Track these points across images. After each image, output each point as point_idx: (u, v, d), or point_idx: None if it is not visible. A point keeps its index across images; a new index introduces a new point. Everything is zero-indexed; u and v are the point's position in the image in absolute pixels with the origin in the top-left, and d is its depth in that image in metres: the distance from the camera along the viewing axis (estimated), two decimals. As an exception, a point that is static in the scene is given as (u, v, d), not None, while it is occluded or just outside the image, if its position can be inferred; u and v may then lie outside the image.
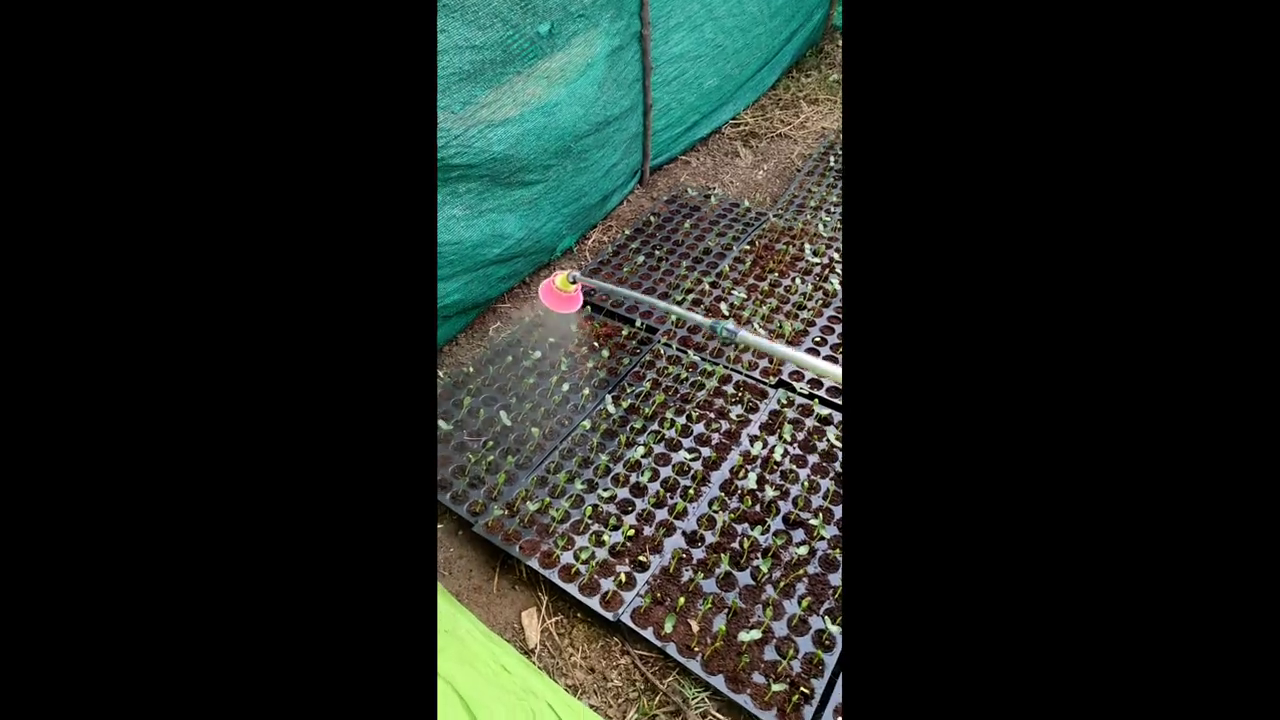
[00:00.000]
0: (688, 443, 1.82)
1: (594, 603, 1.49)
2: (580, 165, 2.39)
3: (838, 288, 2.24)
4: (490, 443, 1.84)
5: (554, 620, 1.54)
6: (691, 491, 1.70)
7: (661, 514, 1.66)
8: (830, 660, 1.39)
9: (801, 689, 1.35)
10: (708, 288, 2.29)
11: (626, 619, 1.47)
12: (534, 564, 1.57)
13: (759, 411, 1.89)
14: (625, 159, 2.69)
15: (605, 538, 1.61)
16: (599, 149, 2.45)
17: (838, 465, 1.74)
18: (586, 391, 1.96)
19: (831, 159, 2.87)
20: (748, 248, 2.45)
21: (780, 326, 2.12)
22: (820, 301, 2.21)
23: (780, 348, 1.40)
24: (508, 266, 2.30)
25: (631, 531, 1.61)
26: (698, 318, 1.59)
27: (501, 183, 2.09)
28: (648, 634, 1.44)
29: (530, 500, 1.70)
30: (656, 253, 2.46)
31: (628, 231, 2.59)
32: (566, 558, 1.58)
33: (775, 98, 3.41)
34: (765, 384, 1.97)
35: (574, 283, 1.79)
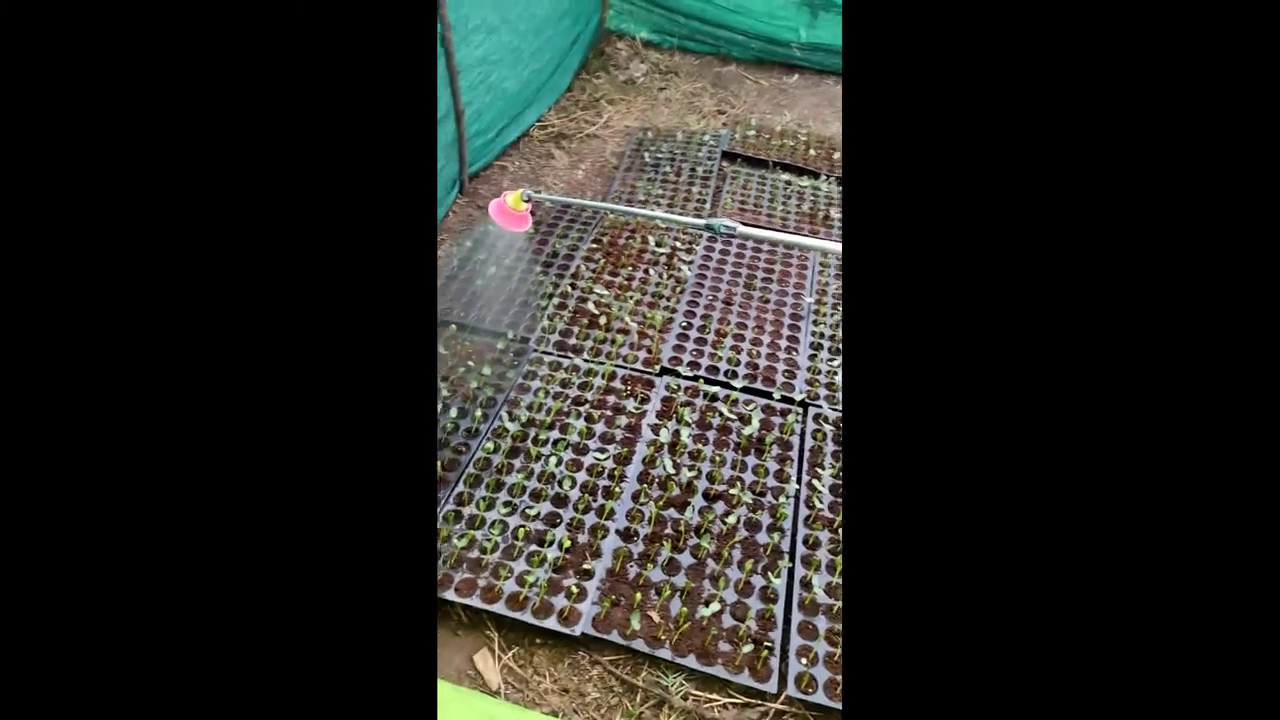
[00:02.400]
0: (594, 444, 1.83)
1: (552, 623, 1.45)
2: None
3: (688, 274, 2.39)
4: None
5: (511, 654, 1.46)
6: (614, 490, 1.71)
7: (591, 519, 1.65)
8: (778, 610, 1.51)
9: (764, 644, 1.45)
10: (568, 289, 2.29)
11: (590, 629, 1.45)
12: (475, 602, 1.47)
13: (651, 400, 1.95)
14: (443, 168, 2.56)
15: (544, 556, 1.56)
16: (424, 159, 2.31)
17: (734, 436, 1.88)
18: (479, 414, 1.86)
19: (645, 154, 3.02)
20: (594, 245, 2.49)
21: (649, 317, 2.21)
22: (675, 288, 2.33)
23: (781, 235, 1.55)
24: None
25: (568, 543, 1.58)
26: (686, 219, 1.68)
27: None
28: (613, 637, 1.44)
29: (452, 538, 1.58)
30: (505, 261, 2.40)
31: (467, 244, 2.48)
32: (510, 586, 1.50)
33: (574, 99, 3.48)
34: (650, 374, 2.04)
35: (527, 200, 1.74)
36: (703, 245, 2.53)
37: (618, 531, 1.63)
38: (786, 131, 3.25)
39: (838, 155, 3.08)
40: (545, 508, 1.66)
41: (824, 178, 2.96)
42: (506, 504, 1.66)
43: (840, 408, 1.98)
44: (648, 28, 3.89)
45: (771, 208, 2.76)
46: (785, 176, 2.95)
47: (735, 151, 3.07)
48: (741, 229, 1.56)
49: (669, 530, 1.64)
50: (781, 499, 1.72)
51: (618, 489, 1.71)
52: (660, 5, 3.75)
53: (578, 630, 1.44)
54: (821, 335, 2.22)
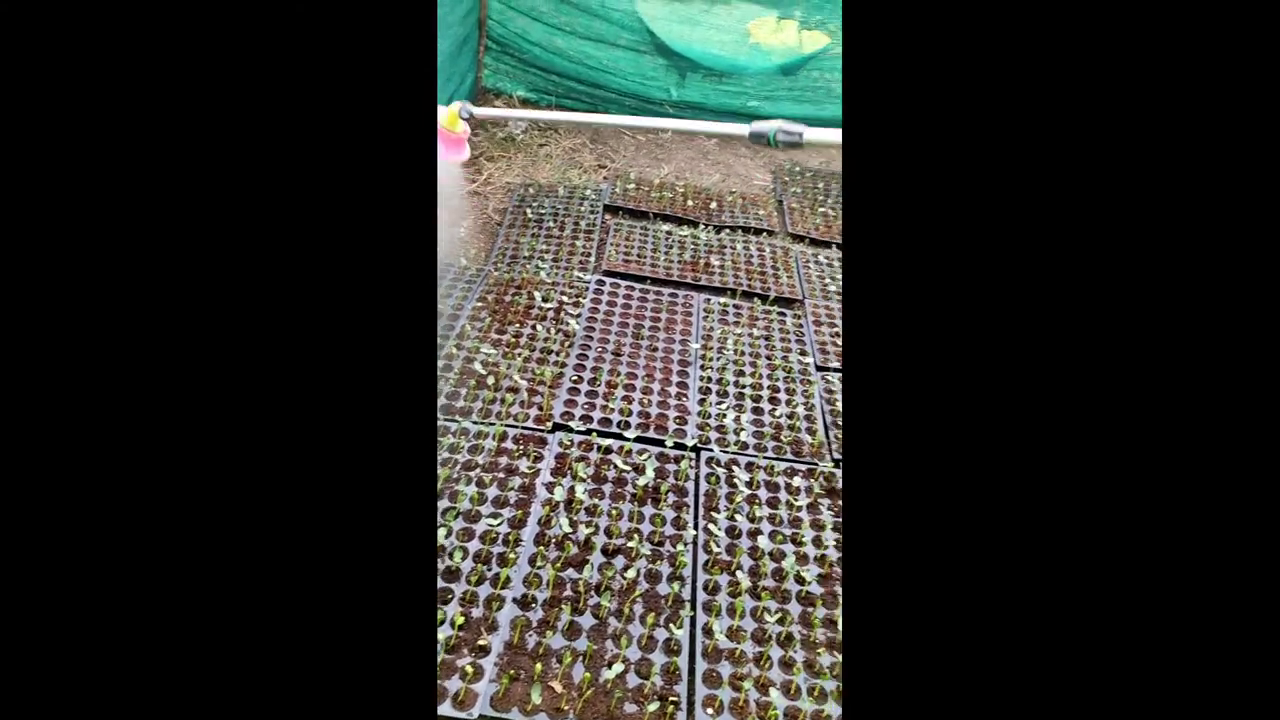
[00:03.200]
0: (486, 509, 1.76)
1: (446, 709, 1.36)
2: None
3: (576, 327, 2.40)
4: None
5: (403, 750, 1.35)
6: (509, 556, 1.65)
7: (485, 590, 1.58)
8: (682, 662, 1.50)
9: (670, 699, 1.43)
10: (454, 350, 2.24)
11: (489, 710, 1.37)
12: (361, 698, 1.36)
13: (545, 459, 1.92)
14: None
15: (436, 637, 1.47)
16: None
17: (630, 487, 1.87)
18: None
19: (527, 211, 3.04)
20: (480, 304, 2.46)
21: (538, 374, 2.19)
22: (564, 342, 2.34)
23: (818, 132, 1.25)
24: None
25: (461, 620, 1.50)
26: (722, 127, 1.33)
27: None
28: (513, 715, 1.37)
29: (331, 629, 1.46)
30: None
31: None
32: (399, 675, 1.40)
33: (454, 157, 3.47)
34: (542, 431, 2.01)
35: (467, 118, 1.33)
36: (590, 297, 2.56)
37: (514, 600, 1.57)
38: (665, 184, 3.39)
39: (714, 205, 3.24)
40: (437, 584, 1.58)
41: (702, 226, 3.10)
42: (393, 584, 1.56)
43: (730, 450, 2.03)
44: (524, 87, 3.96)
45: (655, 258, 2.85)
46: (666, 227, 3.06)
47: (617, 204, 3.16)
48: (809, 134, 1.26)
49: (569, 592, 1.60)
50: (680, 547, 1.73)
51: (513, 555, 1.66)
52: (535, 66, 3.84)
53: (474, 714, 1.36)
54: (709, 379, 2.29)
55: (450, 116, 1.45)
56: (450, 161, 1.50)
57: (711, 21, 3.49)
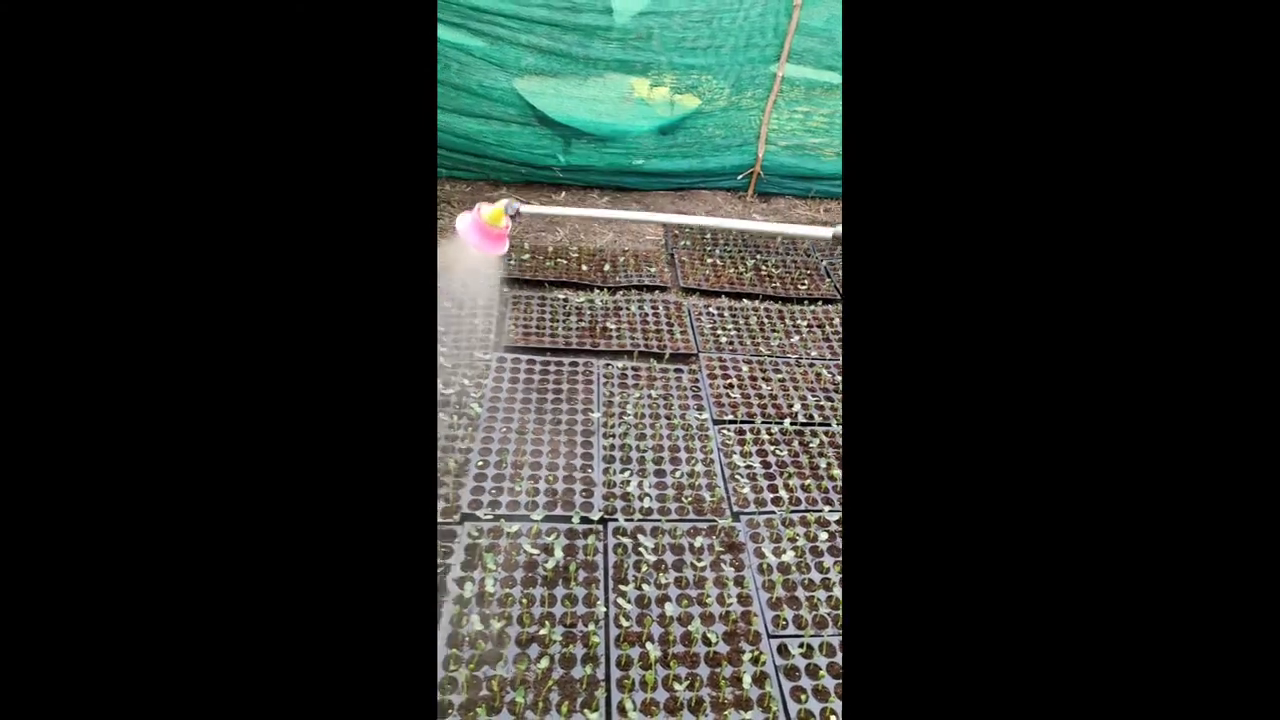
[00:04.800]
0: (398, 615, 1.78)
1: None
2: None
3: (479, 410, 2.45)
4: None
5: None
6: (422, 662, 1.67)
7: (401, 701, 1.59)
8: (602, 743, 1.56)
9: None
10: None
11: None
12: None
13: (454, 553, 1.96)
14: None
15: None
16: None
17: (540, 570, 1.93)
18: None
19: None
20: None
21: (443, 464, 2.22)
22: (467, 428, 2.38)
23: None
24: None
25: (377, 737, 1.52)
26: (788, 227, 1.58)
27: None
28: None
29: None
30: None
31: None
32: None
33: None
34: (450, 524, 2.05)
35: (513, 214, 1.39)
36: (491, 378, 2.62)
37: (431, 707, 1.59)
38: (559, 249, 3.51)
39: (608, 266, 3.38)
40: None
41: (597, 290, 3.22)
42: None
43: (635, 518, 2.13)
44: (415, 162, 4.01)
45: (553, 327, 2.94)
46: (562, 294, 3.17)
47: (513, 276, 3.25)
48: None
49: (484, 691, 1.64)
50: (591, 626, 1.80)
51: (426, 660, 1.68)
52: (423, 143, 3.90)
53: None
54: (612, 447, 2.38)
55: (495, 213, 1.56)
56: (491, 255, 1.66)
57: (587, 93, 3.66)
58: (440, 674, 1.66)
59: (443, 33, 3.42)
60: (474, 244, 1.64)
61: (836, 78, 3.83)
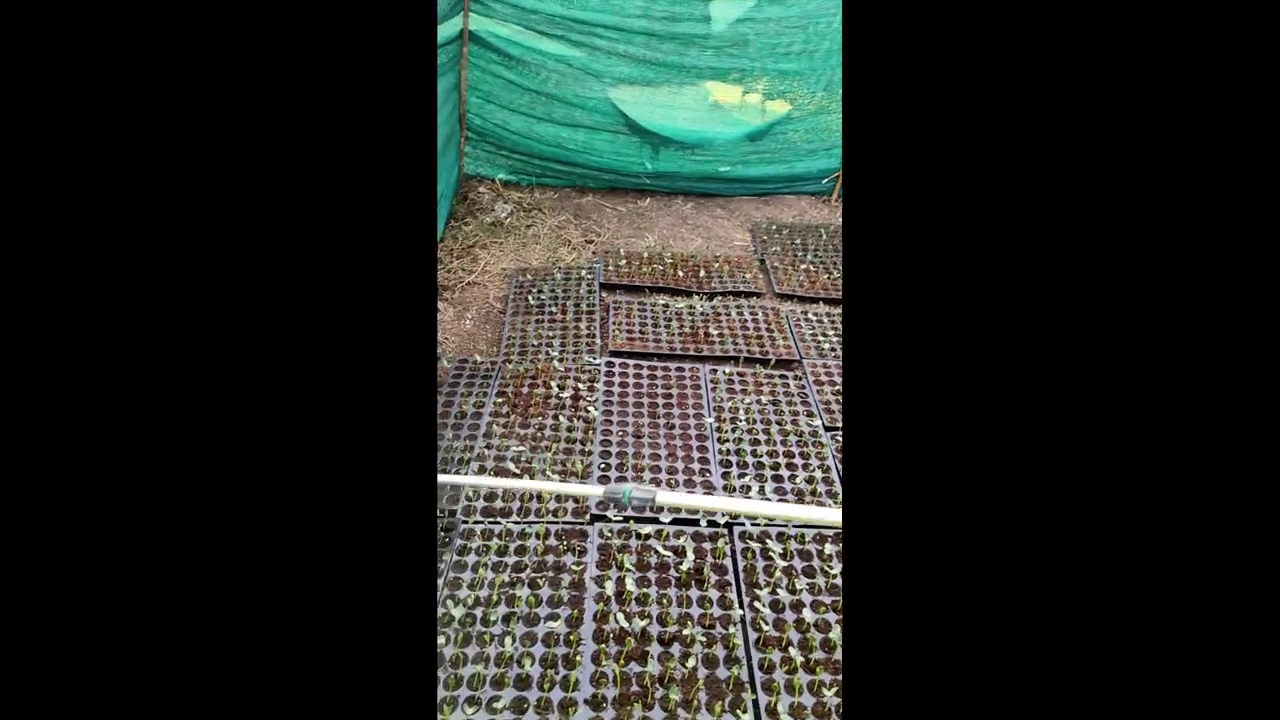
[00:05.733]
0: (544, 611, 1.84)
1: (543, 824, 1.42)
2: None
3: (595, 414, 2.51)
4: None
5: None
6: (573, 657, 1.73)
7: (557, 694, 1.65)
8: (753, 744, 1.58)
9: (748, 784, 1.51)
10: (484, 450, 2.33)
11: (582, 819, 1.44)
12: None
13: (588, 552, 2.01)
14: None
15: (519, 750, 1.53)
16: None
17: (674, 572, 1.97)
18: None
19: (529, 297, 3.16)
20: (500, 399, 2.55)
21: (568, 465, 2.28)
22: (585, 430, 2.44)
23: (723, 503, 1.34)
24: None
25: (540, 728, 1.57)
26: (587, 489, 1.66)
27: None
28: (605, 821, 1.44)
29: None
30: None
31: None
32: (491, 795, 1.46)
33: (448, 249, 3.59)
34: (581, 524, 2.10)
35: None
36: (602, 381, 2.68)
37: (586, 702, 1.64)
38: (652, 255, 3.55)
39: (702, 272, 3.41)
40: (509, 694, 1.64)
41: (695, 296, 3.26)
42: (470, 700, 1.63)
43: (760, 523, 2.15)
44: (505, 170, 4.13)
45: (656, 333, 2.99)
46: (662, 299, 3.21)
47: (612, 282, 3.31)
48: (660, 496, 1.28)
49: (635, 688, 1.68)
50: (731, 628, 1.83)
51: (576, 655, 1.73)
52: (515, 151, 4.01)
53: (571, 824, 1.43)
54: (728, 451, 2.41)
55: None
56: None
57: (680, 102, 3.71)
58: (590, 669, 1.71)
59: (543, 44, 3.52)
60: None
61: (930, 81, 3.79)
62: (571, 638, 1.78)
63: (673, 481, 2.27)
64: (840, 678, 1.73)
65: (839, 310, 3.23)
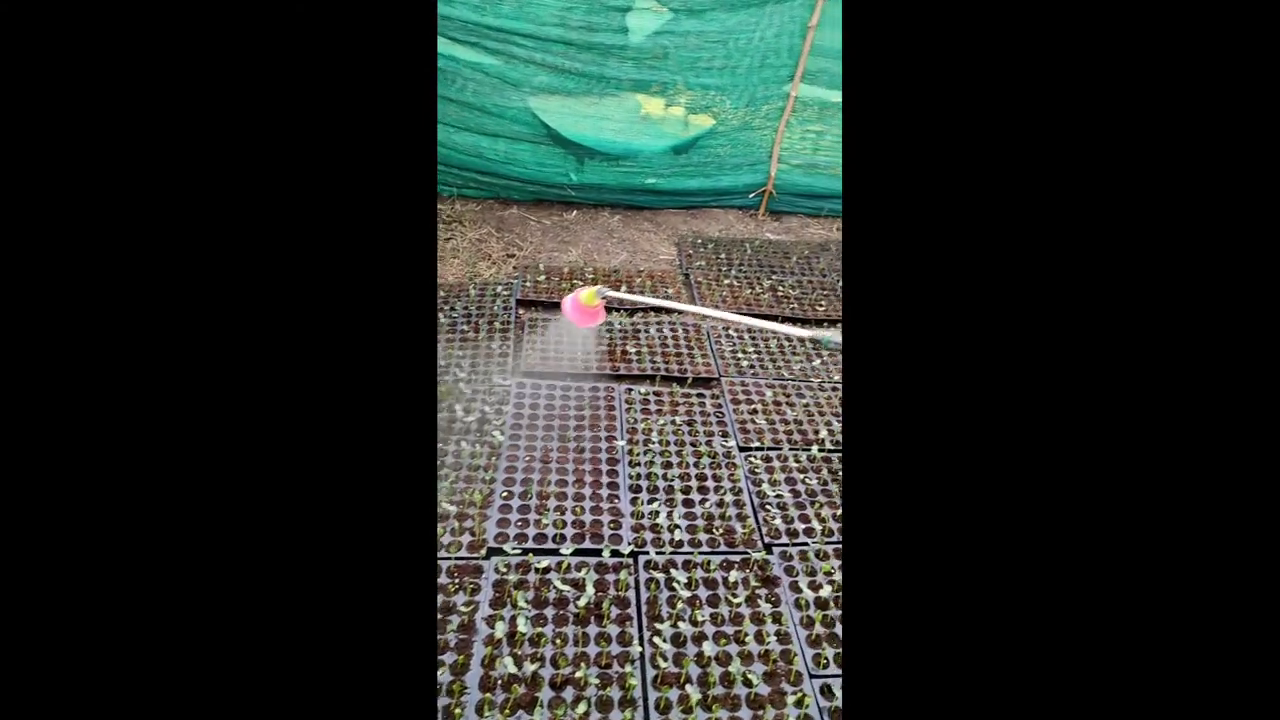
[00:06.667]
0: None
1: None
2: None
3: (501, 439, 2.39)
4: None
5: None
6: (454, 709, 1.61)
7: (434, 751, 1.53)
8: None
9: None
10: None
11: None
12: None
13: (482, 590, 1.89)
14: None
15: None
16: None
17: (572, 608, 1.87)
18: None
19: (440, 315, 3.03)
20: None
21: (467, 495, 2.16)
22: (490, 457, 2.32)
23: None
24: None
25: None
26: (791, 330, 2.26)
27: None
28: None
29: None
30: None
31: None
32: None
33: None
34: (477, 559, 1.98)
35: (601, 298, 2.27)
36: (512, 404, 2.57)
37: (466, 757, 1.53)
38: (574, 270, 3.46)
39: (624, 287, 3.34)
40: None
41: (616, 313, 3.18)
42: (335, 764, 1.49)
43: (665, 551, 2.07)
44: (425, 181, 3.97)
45: (572, 351, 2.90)
46: (580, 317, 3.12)
47: (529, 299, 3.20)
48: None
49: (521, 738, 1.58)
50: (628, 667, 1.74)
51: (458, 708, 1.62)
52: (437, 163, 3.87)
53: None
54: (638, 475, 2.33)
55: (589, 294, 2.33)
56: (589, 327, 2.47)
57: (602, 113, 3.64)
58: (474, 721, 1.59)
59: (457, 51, 3.40)
60: (576, 320, 2.28)
61: (850, 98, 3.82)
62: (455, 687, 1.66)
63: (579, 509, 2.18)
64: (735, 714, 1.66)
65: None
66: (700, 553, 2.08)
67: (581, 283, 3.35)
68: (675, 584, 1.97)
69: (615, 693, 1.68)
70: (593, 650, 1.77)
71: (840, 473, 2.43)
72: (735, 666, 1.76)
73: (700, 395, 2.74)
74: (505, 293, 3.21)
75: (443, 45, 3.40)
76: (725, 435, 2.56)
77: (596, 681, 1.70)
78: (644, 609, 1.90)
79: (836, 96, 3.82)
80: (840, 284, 3.54)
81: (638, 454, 2.42)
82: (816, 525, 2.21)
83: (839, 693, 1.74)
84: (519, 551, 2.02)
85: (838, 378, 2.92)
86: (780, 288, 3.49)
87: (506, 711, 1.62)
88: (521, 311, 3.15)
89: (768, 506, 2.27)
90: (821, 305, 3.37)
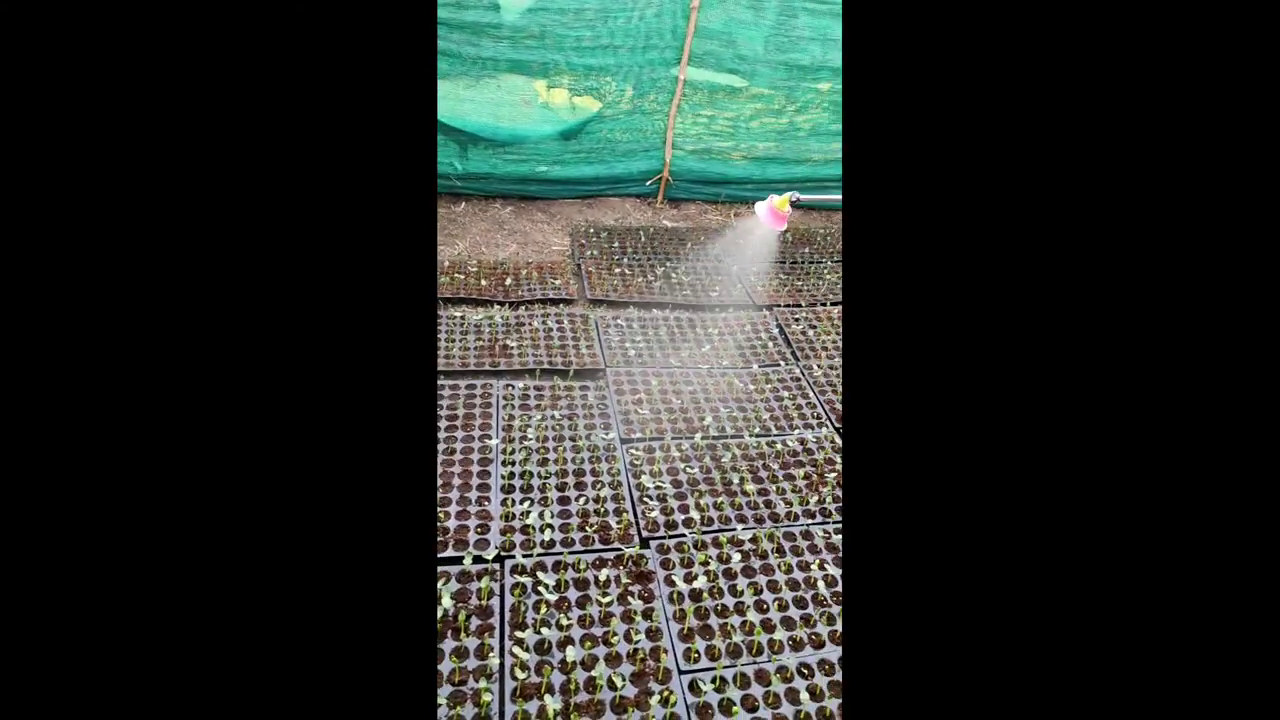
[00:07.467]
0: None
1: None
2: None
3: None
4: None
5: None
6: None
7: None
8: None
9: None
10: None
11: None
12: None
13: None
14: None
15: None
16: None
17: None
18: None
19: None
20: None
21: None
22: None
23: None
24: None
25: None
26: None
27: None
28: None
29: None
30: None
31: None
32: None
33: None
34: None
35: (795, 203, 2.73)
36: (377, 405, 2.39)
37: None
38: (457, 263, 3.30)
39: (509, 280, 3.19)
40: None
41: (497, 306, 3.04)
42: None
43: (534, 553, 1.96)
44: (297, 173, 3.71)
45: (448, 348, 2.74)
46: (459, 311, 2.96)
47: (405, 293, 3.01)
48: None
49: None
50: (483, 682, 1.62)
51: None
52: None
53: None
54: (511, 475, 2.21)
55: (782, 200, 2.76)
56: (776, 229, 2.95)
57: (481, 96, 3.48)
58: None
59: (316, 32, 3.17)
60: (766, 221, 2.75)
61: (738, 81, 3.79)
62: (284, 721, 1.49)
63: (444, 514, 2.03)
64: (596, 725, 1.57)
65: (651, 313, 3.13)
66: (571, 552, 1.98)
67: (463, 275, 3.19)
68: (542, 588, 1.86)
69: (469, 710, 1.56)
70: (446, 667, 1.64)
71: (722, 459, 2.38)
72: (600, 670, 1.67)
73: (584, 387, 2.63)
74: (379, 289, 3.01)
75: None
76: (607, 428, 2.46)
77: (446, 702, 1.57)
78: (507, 617, 1.78)
79: (725, 79, 3.78)
80: (735, 268, 3.51)
81: (512, 452, 2.29)
82: (696, 515, 2.14)
83: (708, 687, 1.67)
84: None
85: (726, 362, 2.87)
86: (675, 274, 3.42)
87: (340, 745, 1.47)
88: (397, 308, 2.96)
89: (647, 499, 2.19)
90: (715, 291, 3.32)
